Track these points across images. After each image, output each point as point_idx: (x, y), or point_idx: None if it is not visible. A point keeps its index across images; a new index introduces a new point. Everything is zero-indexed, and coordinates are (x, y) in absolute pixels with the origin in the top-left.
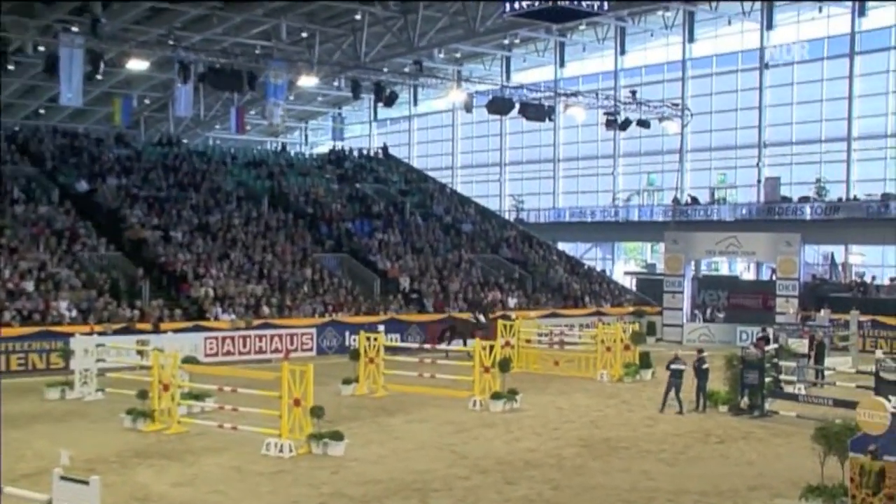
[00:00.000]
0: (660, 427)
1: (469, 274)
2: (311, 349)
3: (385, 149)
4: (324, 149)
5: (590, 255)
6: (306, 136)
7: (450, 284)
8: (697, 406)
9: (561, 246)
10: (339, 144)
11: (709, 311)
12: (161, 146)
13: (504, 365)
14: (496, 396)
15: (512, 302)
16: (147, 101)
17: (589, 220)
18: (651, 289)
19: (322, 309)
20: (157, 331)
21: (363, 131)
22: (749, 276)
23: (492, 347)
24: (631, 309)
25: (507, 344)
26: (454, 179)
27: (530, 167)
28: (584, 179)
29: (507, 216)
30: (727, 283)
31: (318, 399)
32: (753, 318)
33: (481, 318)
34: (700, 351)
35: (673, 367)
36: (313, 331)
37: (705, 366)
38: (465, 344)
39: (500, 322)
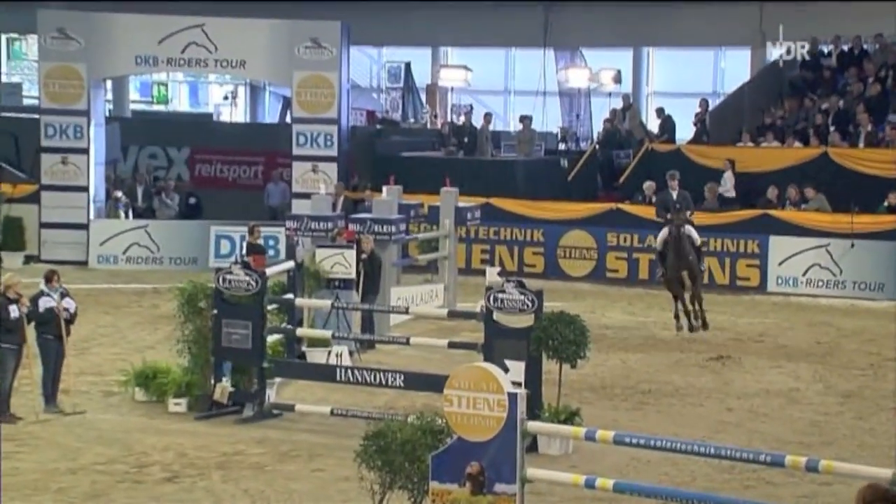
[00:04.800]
0: (34, 456)
1: None
2: None
3: None
4: None
5: None
6: None
7: None
8: (49, 401)
9: None
10: None
11: (143, 191)
12: None
13: None
14: None
15: None
16: None
17: None
18: (6, 144)
19: None
20: None
21: None
22: (236, 115)
23: None
24: None
25: None
26: None
27: None
28: None
29: None
30: (188, 131)
31: None
32: (246, 207)
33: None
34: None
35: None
36: None
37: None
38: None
39: None
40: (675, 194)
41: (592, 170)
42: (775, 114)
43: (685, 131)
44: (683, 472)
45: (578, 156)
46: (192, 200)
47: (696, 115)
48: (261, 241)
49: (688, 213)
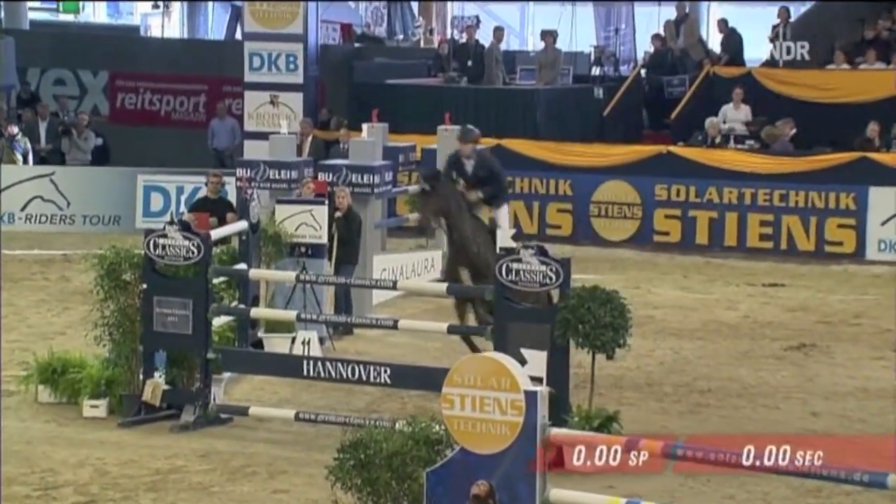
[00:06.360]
0: None
1: None
2: None
3: None
4: None
5: None
6: None
7: None
8: None
9: None
10: None
11: (48, 128)
12: None
13: None
14: None
15: None
16: None
17: None
18: None
19: None
20: None
21: None
22: (170, 29)
23: None
24: None
25: None
26: None
27: None
28: None
29: None
30: (107, 50)
31: None
32: (184, 150)
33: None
34: None
35: None
36: None
37: None
38: None
39: None
40: (470, 165)
41: (636, 102)
42: (880, 25)
43: (758, 50)
44: (754, 495)
45: (618, 83)
46: (99, 141)
47: (774, 28)
48: (229, 197)
49: (479, 193)
